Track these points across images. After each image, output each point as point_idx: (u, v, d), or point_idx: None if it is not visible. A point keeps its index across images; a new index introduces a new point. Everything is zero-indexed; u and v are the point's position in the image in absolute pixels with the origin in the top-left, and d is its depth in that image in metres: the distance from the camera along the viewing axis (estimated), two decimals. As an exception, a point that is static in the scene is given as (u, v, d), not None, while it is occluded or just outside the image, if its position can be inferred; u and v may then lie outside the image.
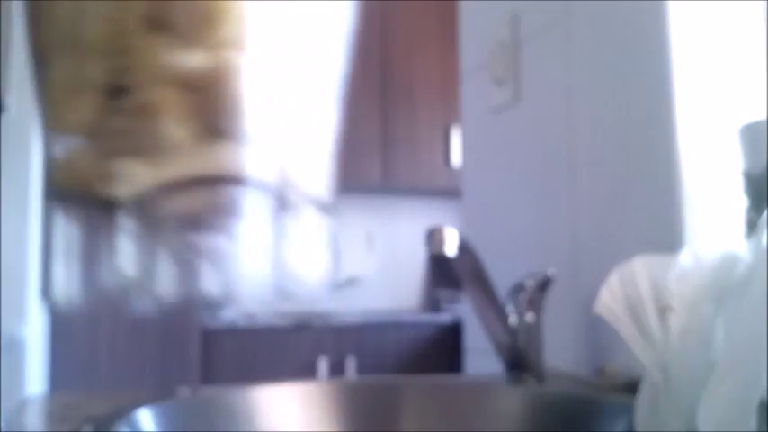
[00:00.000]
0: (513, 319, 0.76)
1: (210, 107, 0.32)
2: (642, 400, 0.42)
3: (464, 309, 1.25)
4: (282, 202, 0.37)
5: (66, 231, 0.31)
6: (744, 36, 0.75)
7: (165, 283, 0.33)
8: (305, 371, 2.47)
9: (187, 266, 0.34)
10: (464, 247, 0.69)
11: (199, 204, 0.32)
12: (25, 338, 1.98)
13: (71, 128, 0.31)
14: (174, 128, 0.31)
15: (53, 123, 0.32)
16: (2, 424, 0.68)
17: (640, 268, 0.46)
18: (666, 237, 0.72)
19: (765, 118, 0.63)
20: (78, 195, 0.31)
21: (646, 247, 0.54)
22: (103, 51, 0.30)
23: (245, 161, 0.32)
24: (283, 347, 2.48)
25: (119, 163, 0.31)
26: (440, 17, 2.82)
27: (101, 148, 0.31)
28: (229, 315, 2.44)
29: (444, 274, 3.01)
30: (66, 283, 0.31)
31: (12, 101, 2.04)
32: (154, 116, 0.31)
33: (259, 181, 0.34)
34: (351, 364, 2.50)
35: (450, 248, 0.62)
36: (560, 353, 0.86)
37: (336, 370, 2.50)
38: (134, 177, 0.31)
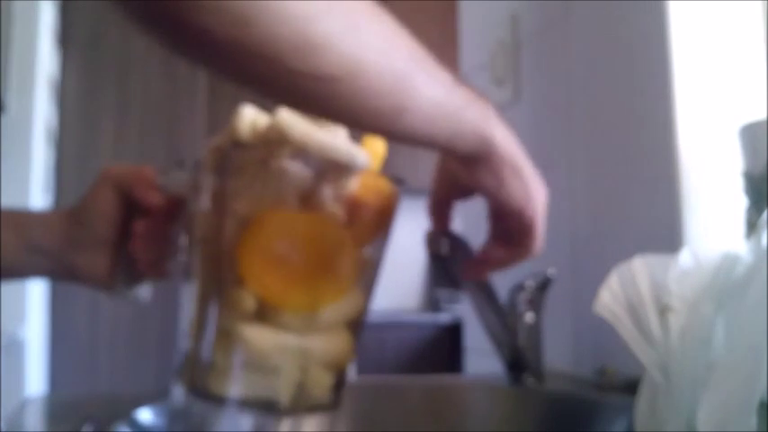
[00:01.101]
0: (512, 319, 0.76)
1: None
2: (642, 400, 0.42)
3: (464, 309, 1.25)
4: None
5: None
6: (744, 36, 0.75)
7: None
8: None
9: None
10: (464, 248, 0.69)
11: None
12: (25, 338, 1.98)
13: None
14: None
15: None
16: (2, 424, 0.68)
17: (640, 268, 0.46)
18: (666, 237, 0.72)
19: (765, 118, 0.63)
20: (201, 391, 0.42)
21: (646, 247, 0.54)
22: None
23: None
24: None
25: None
26: (440, 17, 2.82)
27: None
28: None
29: (444, 274, 3.00)
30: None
31: (12, 101, 2.04)
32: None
33: None
34: (351, 364, 2.49)
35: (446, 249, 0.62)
36: (560, 353, 0.86)
37: (336, 370, 2.49)
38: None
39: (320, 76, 0.35)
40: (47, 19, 2.18)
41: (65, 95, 2.30)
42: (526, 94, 1.01)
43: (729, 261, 0.42)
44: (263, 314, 0.39)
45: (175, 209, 0.49)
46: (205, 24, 0.31)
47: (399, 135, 0.42)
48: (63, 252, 0.51)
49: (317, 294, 0.40)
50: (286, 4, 0.32)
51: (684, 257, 0.46)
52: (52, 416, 0.72)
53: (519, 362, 0.76)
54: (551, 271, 0.78)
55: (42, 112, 2.14)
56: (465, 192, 0.55)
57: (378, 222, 0.44)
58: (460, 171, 0.51)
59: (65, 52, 2.32)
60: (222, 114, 2.60)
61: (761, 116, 0.65)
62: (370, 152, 0.45)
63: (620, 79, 0.82)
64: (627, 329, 0.44)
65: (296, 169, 0.40)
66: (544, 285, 0.77)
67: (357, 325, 0.44)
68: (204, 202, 0.42)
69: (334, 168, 0.41)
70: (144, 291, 0.53)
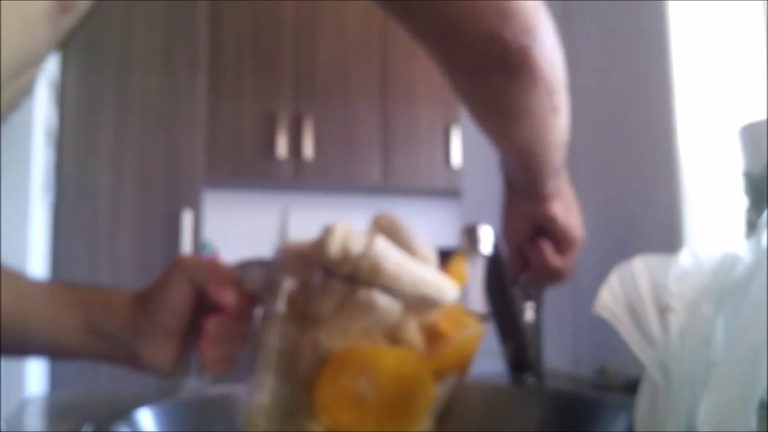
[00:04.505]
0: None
1: None
2: (642, 400, 0.42)
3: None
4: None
5: None
6: (744, 36, 0.75)
7: None
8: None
9: None
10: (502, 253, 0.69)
11: None
12: (25, 338, 1.98)
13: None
14: None
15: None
16: (2, 424, 0.68)
17: (640, 268, 0.46)
18: (666, 237, 0.72)
19: (765, 118, 0.63)
20: None
21: (646, 248, 0.54)
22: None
23: None
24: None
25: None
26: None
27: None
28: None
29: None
30: None
31: (12, 101, 2.03)
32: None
33: None
34: None
35: (486, 247, 0.61)
36: (560, 352, 0.86)
37: (336, 370, 2.49)
38: None
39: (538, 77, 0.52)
40: (47, 19, 2.17)
41: (65, 95, 2.30)
42: (526, 94, 1.00)
43: (729, 261, 0.42)
44: None
45: (248, 307, 0.48)
46: (541, 63, 0.51)
47: (542, 141, 0.55)
48: (126, 338, 0.50)
49: (388, 428, 0.39)
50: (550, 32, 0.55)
51: (684, 257, 0.46)
52: (52, 416, 0.72)
53: (519, 361, 0.76)
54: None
55: (42, 112, 2.14)
56: (535, 230, 0.66)
57: (457, 358, 0.42)
58: (534, 208, 0.63)
59: (65, 52, 2.32)
60: (222, 114, 2.61)
61: (761, 116, 0.65)
62: (455, 276, 0.43)
63: (620, 79, 0.82)
64: (627, 329, 0.44)
65: (384, 303, 0.38)
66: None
67: None
68: (280, 305, 0.41)
69: (422, 302, 0.39)
70: (201, 382, 0.52)
